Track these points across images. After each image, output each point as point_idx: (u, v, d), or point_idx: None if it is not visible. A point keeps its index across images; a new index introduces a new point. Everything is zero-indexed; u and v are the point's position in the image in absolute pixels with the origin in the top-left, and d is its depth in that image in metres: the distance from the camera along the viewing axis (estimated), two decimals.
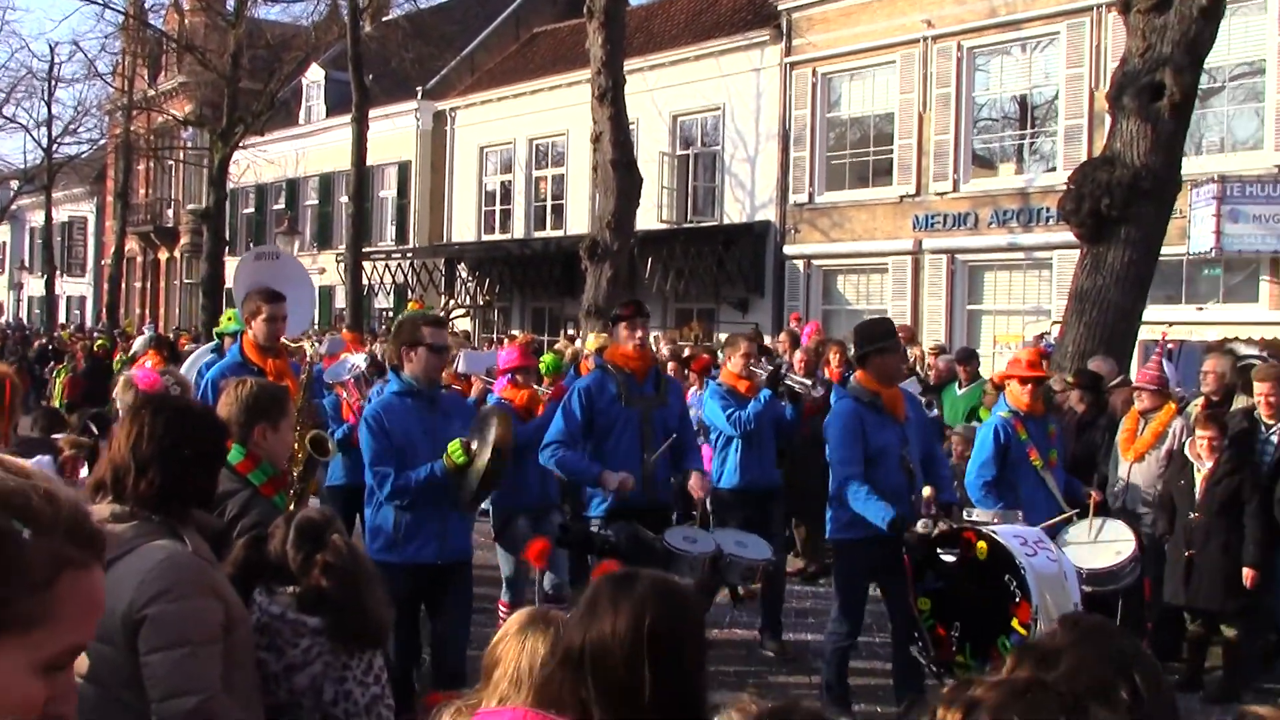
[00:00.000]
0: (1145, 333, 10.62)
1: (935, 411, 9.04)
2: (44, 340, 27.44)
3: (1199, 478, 6.79)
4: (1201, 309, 15.12)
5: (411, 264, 27.01)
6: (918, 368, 11.69)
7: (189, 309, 35.50)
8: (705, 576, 5.38)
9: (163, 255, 38.98)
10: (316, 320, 19.66)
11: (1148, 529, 7.00)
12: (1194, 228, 14.47)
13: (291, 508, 3.52)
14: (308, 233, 30.14)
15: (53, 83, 37.41)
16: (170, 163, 36.70)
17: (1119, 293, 9.66)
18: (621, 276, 15.19)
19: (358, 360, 7.33)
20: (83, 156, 40.24)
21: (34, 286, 45.15)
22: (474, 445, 4.95)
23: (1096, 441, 7.81)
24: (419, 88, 27.55)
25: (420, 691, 5.19)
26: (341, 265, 24.24)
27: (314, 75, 31.31)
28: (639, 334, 6.13)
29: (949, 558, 5.29)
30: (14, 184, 42.98)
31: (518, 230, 25.90)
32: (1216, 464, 6.72)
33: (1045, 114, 17.97)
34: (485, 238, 26.75)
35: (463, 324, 24.55)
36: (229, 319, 9.03)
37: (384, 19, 28.23)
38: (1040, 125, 18.01)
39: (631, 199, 15.16)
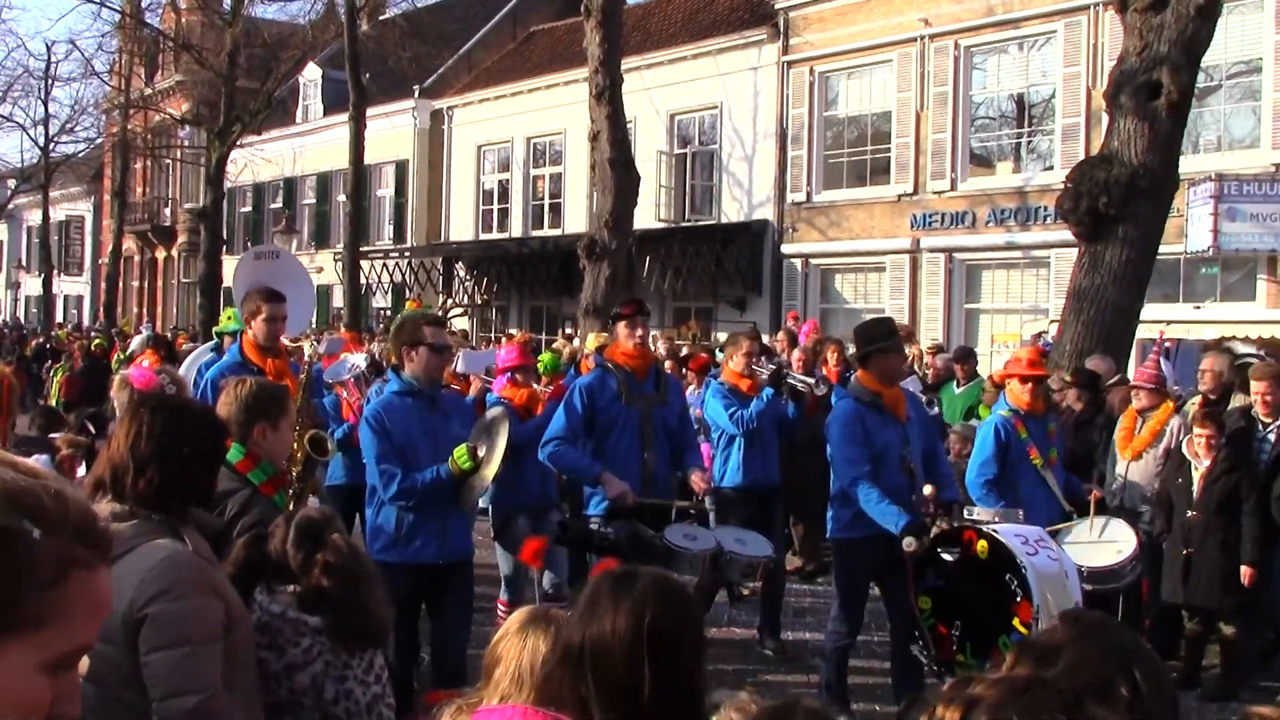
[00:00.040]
0: (1143, 331, 10.63)
1: (936, 409, 9.04)
2: (41, 339, 27.43)
3: (1197, 476, 6.80)
4: (1199, 307, 15.13)
5: (409, 263, 27.00)
6: (915, 366, 11.69)
7: (186, 308, 35.48)
8: (707, 577, 5.38)
9: (160, 254, 38.94)
10: (314, 320, 19.64)
11: (1145, 527, 7.02)
12: (1191, 226, 14.48)
13: (290, 508, 3.52)
14: (305, 232, 30.11)
15: (49, 81, 37.42)
16: (167, 162, 36.66)
17: (1117, 291, 9.67)
18: (619, 275, 15.18)
19: (358, 360, 7.33)
20: (80, 155, 40.19)
21: (31, 286, 45.13)
22: (480, 451, 4.94)
23: (1094, 440, 7.82)
24: (416, 86, 27.53)
25: (420, 691, 5.19)
26: (339, 264, 24.23)
27: (311, 74, 31.29)
28: (639, 333, 6.13)
29: (949, 557, 5.29)
30: (11, 183, 42.95)
31: (515, 229, 25.90)
32: (1214, 462, 6.73)
33: (1043, 113, 17.98)
34: (483, 237, 26.75)
35: (460, 323, 24.55)
36: (228, 318, 9.02)
37: (381, 17, 28.22)
38: (1038, 124, 18.02)
39: (629, 198, 15.16)
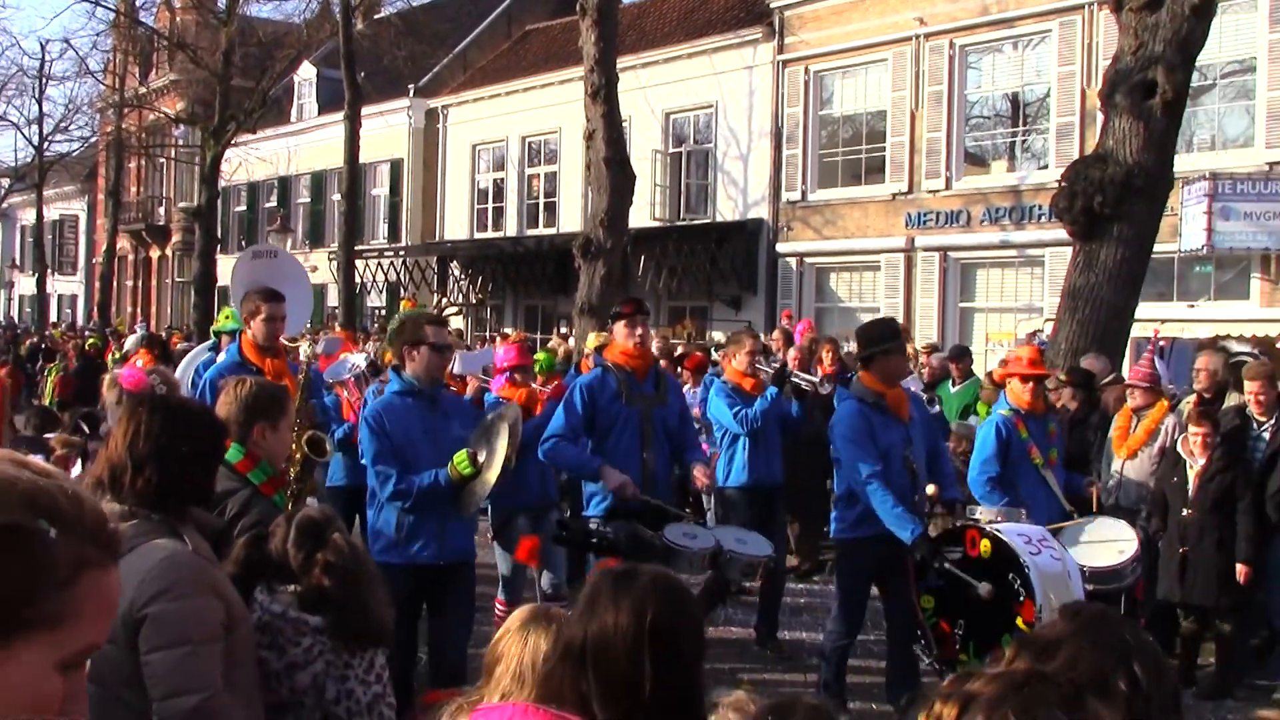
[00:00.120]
0: (1137, 330, 10.65)
1: (938, 408, 9.05)
2: (35, 339, 27.40)
3: (1192, 475, 6.82)
4: (1193, 306, 15.17)
5: (404, 262, 26.97)
6: (910, 366, 11.70)
7: (181, 307, 35.42)
8: (712, 580, 5.37)
9: (154, 253, 38.86)
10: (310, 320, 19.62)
11: (1141, 525, 7.03)
12: (1185, 225, 14.52)
13: (290, 508, 3.53)
14: (300, 231, 30.06)
15: (44, 80, 37.30)
16: (162, 161, 36.57)
17: (1111, 290, 9.69)
18: (615, 274, 15.18)
19: (358, 360, 7.32)
20: (74, 154, 40.13)
21: (25, 285, 45.04)
22: (480, 457, 4.93)
23: (1089, 439, 7.84)
24: (411, 85, 27.49)
25: (418, 691, 5.19)
26: (334, 263, 24.21)
27: (306, 73, 31.23)
28: (639, 332, 6.13)
29: (952, 556, 5.30)
30: (5, 182, 42.80)
31: (510, 228, 25.88)
32: (1209, 461, 6.75)
33: (1037, 112, 18.00)
34: (478, 235, 26.72)
35: (455, 322, 24.54)
36: (227, 317, 9.01)
37: (376, 16, 28.16)
38: (1032, 123, 18.05)
39: (624, 197, 15.15)
